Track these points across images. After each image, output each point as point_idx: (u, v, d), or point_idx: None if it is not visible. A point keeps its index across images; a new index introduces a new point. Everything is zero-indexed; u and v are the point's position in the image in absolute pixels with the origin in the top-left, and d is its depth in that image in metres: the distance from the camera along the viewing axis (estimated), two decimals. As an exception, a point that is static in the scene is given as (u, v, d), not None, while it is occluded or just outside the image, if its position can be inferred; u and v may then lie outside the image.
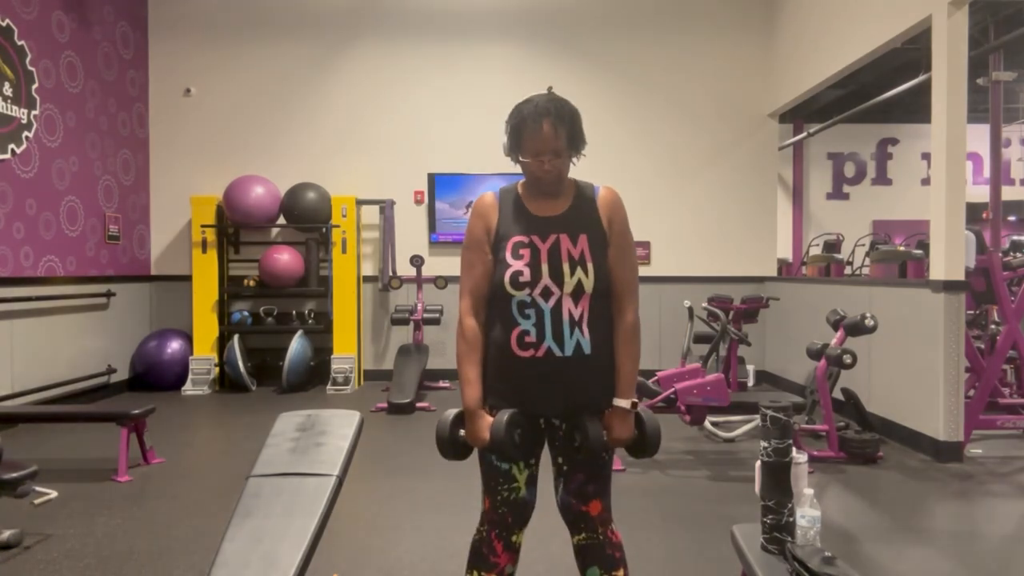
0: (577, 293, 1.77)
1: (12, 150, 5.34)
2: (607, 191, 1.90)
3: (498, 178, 7.18)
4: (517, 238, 1.81)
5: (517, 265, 1.78)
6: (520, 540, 1.91)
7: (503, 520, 1.87)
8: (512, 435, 1.75)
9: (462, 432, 1.84)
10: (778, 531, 2.03)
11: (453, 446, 1.84)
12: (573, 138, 1.82)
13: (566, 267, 1.77)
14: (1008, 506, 3.65)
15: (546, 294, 1.76)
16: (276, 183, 7.01)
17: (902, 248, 6.02)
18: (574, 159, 1.85)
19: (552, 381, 1.78)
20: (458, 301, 1.88)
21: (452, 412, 1.87)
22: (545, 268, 1.77)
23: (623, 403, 1.82)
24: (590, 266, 1.77)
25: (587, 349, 1.78)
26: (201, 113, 7.32)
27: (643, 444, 1.86)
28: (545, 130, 1.76)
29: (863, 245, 8.17)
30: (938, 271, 4.45)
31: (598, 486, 1.85)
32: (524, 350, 1.77)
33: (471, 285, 1.85)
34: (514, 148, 1.83)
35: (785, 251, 10.19)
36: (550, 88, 1.90)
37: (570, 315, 1.77)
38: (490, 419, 1.79)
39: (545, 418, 1.86)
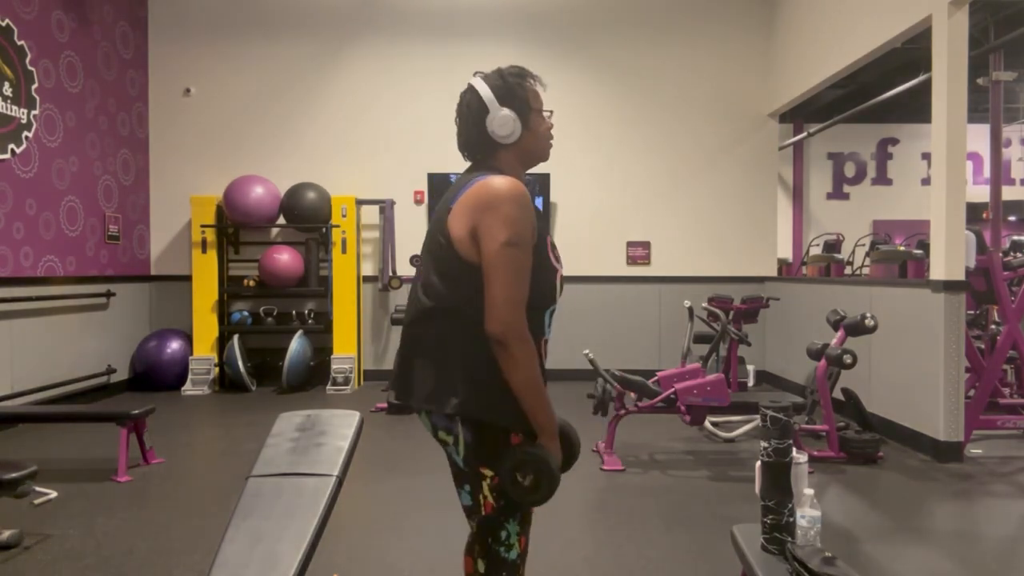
0: None
1: (12, 150, 5.34)
2: None
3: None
4: (549, 236, 1.70)
5: (560, 268, 1.69)
6: None
7: None
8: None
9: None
10: (778, 531, 2.03)
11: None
12: None
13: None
14: (1008, 506, 3.65)
15: None
16: (276, 183, 7.01)
17: (902, 248, 6.02)
18: None
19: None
20: (507, 310, 1.53)
21: (545, 452, 1.57)
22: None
23: None
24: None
25: None
26: (201, 113, 7.32)
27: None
28: (537, 85, 1.70)
29: (863, 245, 8.18)
30: (938, 271, 4.45)
31: None
32: (545, 359, 1.69)
33: (527, 294, 1.58)
34: (524, 111, 1.66)
35: (785, 251, 10.20)
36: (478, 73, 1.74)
37: None
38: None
39: None
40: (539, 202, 7.14)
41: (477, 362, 1.59)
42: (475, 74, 1.69)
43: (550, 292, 1.65)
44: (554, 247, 1.69)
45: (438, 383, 1.62)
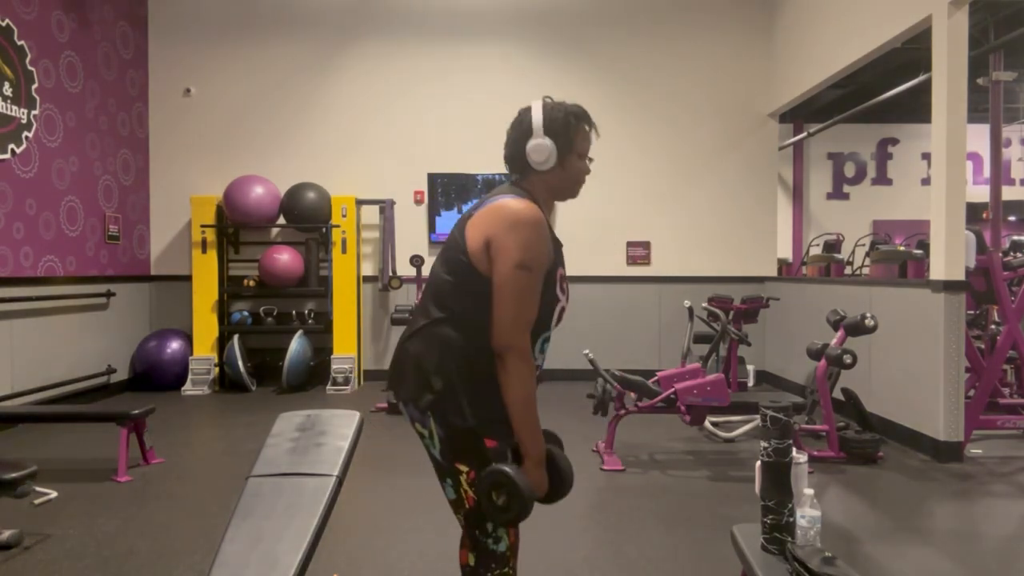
0: None
1: (12, 150, 5.34)
2: None
3: (498, 178, 7.18)
4: (561, 269, 1.74)
5: (563, 300, 1.73)
6: None
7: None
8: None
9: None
10: (778, 531, 2.03)
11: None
12: None
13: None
14: (1008, 506, 3.65)
15: None
16: (276, 183, 7.02)
17: (902, 248, 6.02)
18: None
19: None
20: (513, 330, 1.58)
21: (514, 471, 1.55)
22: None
23: None
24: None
25: None
26: (201, 113, 7.32)
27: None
28: (591, 133, 1.76)
29: (863, 245, 8.18)
30: (938, 271, 4.45)
31: None
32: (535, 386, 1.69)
33: (535, 315, 1.63)
34: (565, 148, 1.72)
35: (785, 251, 10.20)
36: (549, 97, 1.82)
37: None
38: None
39: None
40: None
41: (461, 366, 1.62)
42: (544, 97, 1.76)
43: (546, 319, 1.69)
44: (564, 279, 1.75)
45: (420, 378, 1.66)
